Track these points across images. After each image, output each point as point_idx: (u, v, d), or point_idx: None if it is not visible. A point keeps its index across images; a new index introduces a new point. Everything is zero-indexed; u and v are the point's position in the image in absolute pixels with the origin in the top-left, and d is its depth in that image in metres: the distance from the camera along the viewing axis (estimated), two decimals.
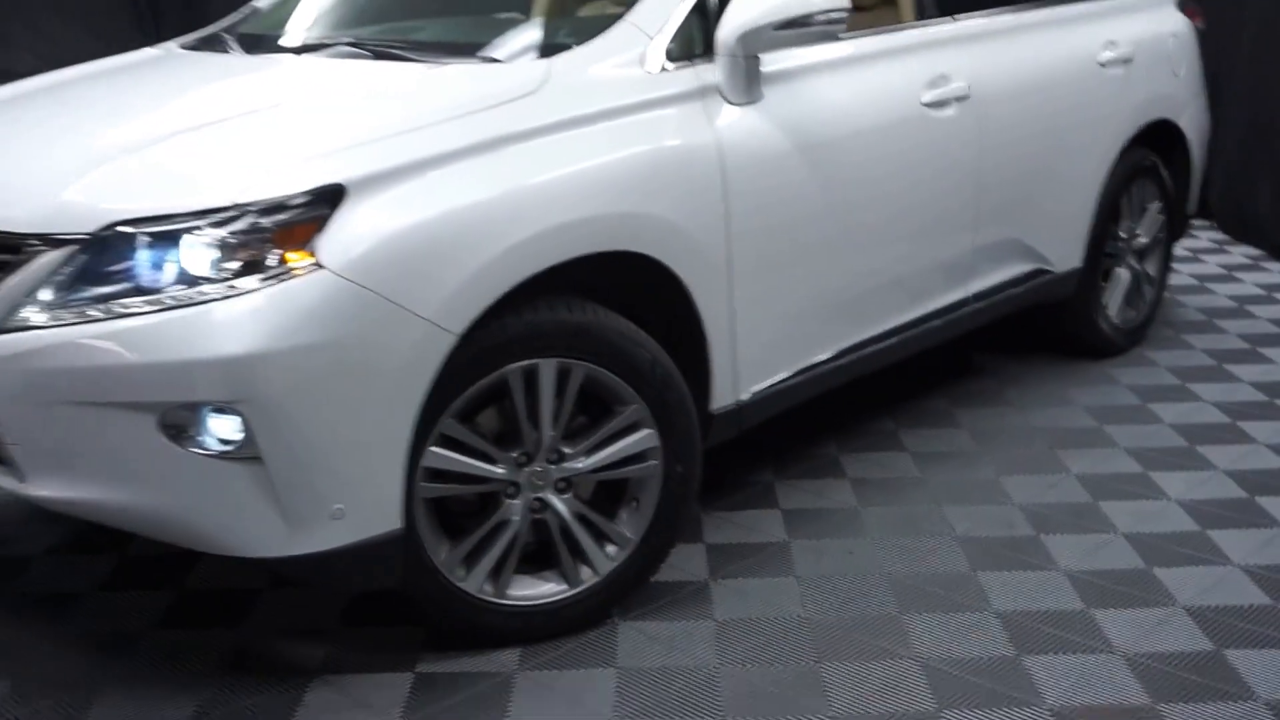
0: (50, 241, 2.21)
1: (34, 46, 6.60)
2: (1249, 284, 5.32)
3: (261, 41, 3.26)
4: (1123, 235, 4.31)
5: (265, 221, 2.16)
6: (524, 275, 2.41)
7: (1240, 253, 5.88)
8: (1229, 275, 5.48)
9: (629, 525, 2.71)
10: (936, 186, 3.40)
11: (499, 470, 2.54)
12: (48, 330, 2.19)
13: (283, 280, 2.14)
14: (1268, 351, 4.42)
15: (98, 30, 7.06)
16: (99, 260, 2.19)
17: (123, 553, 3.08)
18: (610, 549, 2.70)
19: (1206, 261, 5.72)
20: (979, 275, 3.67)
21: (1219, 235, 6.20)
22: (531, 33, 2.97)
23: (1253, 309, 4.96)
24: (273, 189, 2.19)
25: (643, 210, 2.60)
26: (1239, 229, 6.12)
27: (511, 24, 3.12)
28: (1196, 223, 6.29)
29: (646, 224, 2.61)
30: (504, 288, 2.37)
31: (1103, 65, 3.94)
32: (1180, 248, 5.84)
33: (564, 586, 2.66)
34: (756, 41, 2.77)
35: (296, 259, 2.16)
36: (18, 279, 2.22)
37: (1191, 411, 3.89)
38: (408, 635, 2.68)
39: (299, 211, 2.18)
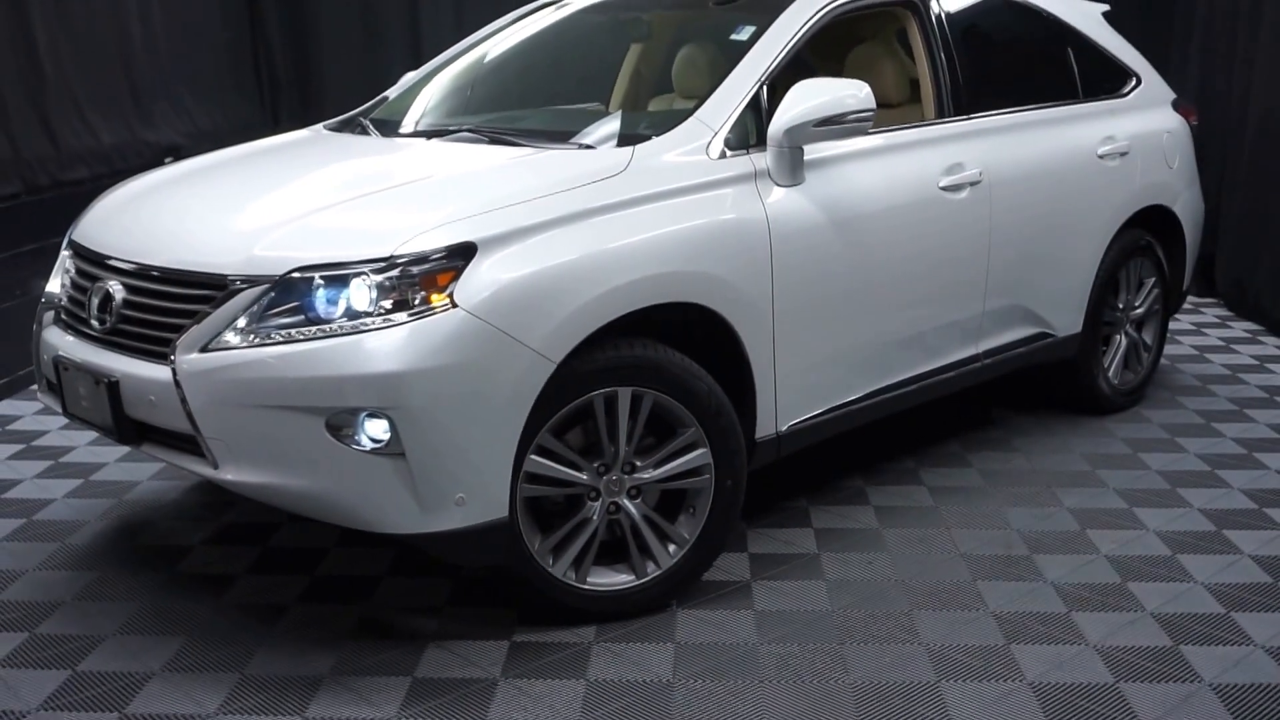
0: (249, 281, 2.83)
1: (175, 123, 7.52)
2: (1244, 355, 5.79)
3: (392, 126, 3.94)
4: (1121, 306, 4.83)
5: (414, 270, 2.77)
6: (609, 318, 2.99)
7: (1241, 328, 6.31)
8: (1226, 347, 5.94)
9: (686, 528, 3.26)
10: (951, 258, 3.95)
11: (583, 477, 3.11)
12: (242, 350, 2.79)
13: (425, 316, 2.75)
14: (1252, 413, 4.90)
15: (226, 109, 7.98)
16: (284, 297, 2.81)
17: (264, 544, 3.68)
18: (671, 548, 3.25)
19: (1208, 335, 6.18)
20: (988, 336, 4.21)
21: (1223, 312, 6.65)
22: (617, 124, 3.58)
23: (1244, 376, 5.42)
24: (420, 245, 2.80)
25: (704, 270, 3.18)
26: (1240, 306, 6.58)
27: (599, 116, 3.77)
28: (1203, 300, 6.82)
29: (707, 281, 3.19)
30: (593, 327, 2.96)
31: (1100, 157, 4.49)
32: (1185, 322, 6.36)
33: (632, 577, 3.21)
34: (800, 135, 3.36)
35: (437, 299, 2.76)
36: (223, 311, 2.83)
37: (1176, 461, 4.39)
38: (503, 614, 3.24)
39: (440, 262, 2.79)
